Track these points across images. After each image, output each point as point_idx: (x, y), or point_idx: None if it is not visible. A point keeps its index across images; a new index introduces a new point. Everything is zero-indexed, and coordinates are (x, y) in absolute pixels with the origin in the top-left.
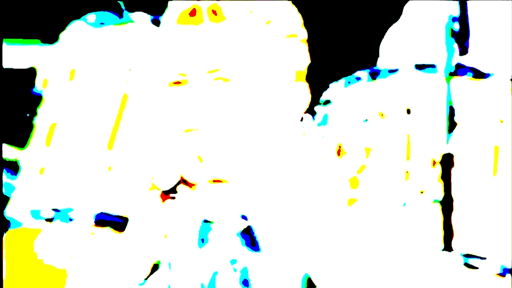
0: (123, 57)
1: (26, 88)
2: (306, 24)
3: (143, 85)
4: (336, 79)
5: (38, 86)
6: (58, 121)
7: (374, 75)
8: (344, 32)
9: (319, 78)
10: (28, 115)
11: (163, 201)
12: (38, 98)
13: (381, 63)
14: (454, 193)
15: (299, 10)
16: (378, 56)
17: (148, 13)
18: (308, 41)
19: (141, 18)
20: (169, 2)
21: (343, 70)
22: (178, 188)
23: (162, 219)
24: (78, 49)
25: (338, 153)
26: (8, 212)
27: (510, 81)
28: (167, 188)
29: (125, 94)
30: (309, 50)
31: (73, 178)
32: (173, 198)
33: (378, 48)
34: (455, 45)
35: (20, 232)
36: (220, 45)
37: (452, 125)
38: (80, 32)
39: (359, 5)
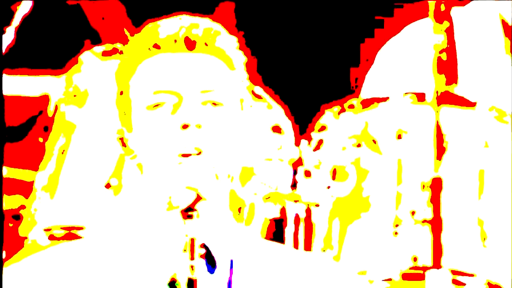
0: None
1: (38, 114)
2: (300, 51)
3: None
4: (330, 106)
5: (50, 112)
6: (70, 144)
7: (366, 103)
8: (339, 60)
9: (314, 105)
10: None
11: (184, 218)
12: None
13: (371, 91)
14: (442, 213)
15: (294, 37)
16: (367, 84)
17: None
18: (304, 68)
19: None
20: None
21: (337, 96)
22: (196, 206)
23: (182, 236)
24: (87, 77)
25: (334, 176)
26: (22, 232)
27: (494, 107)
28: (185, 206)
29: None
30: (306, 77)
31: (84, 199)
32: (191, 216)
33: (368, 76)
34: (443, 74)
35: (32, 250)
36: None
37: (440, 151)
38: (89, 61)
39: (353, 34)
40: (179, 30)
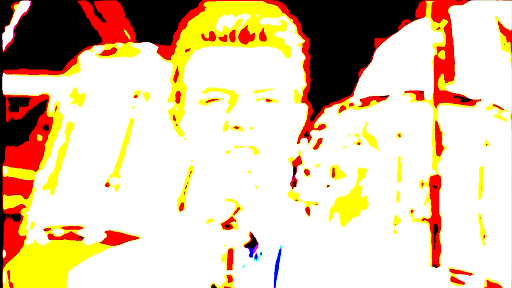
0: (130, 85)
1: (37, 113)
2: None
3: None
4: (330, 104)
5: (49, 112)
6: (69, 143)
7: (366, 101)
8: (337, 58)
9: (313, 103)
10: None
11: (223, 228)
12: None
13: (370, 90)
14: (441, 211)
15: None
16: (362, 82)
17: (156, 42)
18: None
19: (148, 47)
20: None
21: (337, 95)
22: (236, 216)
23: (220, 245)
24: (87, 77)
25: (333, 175)
26: (22, 232)
27: (494, 105)
28: (225, 218)
29: (131, 118)
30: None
31: (84, 198)
32: (230, 226)
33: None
34: (442, 72)
35: (33, 250)
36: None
37: (439, 149)
38: (88, 61)
39: (352, 33)
40: (237, 24)
